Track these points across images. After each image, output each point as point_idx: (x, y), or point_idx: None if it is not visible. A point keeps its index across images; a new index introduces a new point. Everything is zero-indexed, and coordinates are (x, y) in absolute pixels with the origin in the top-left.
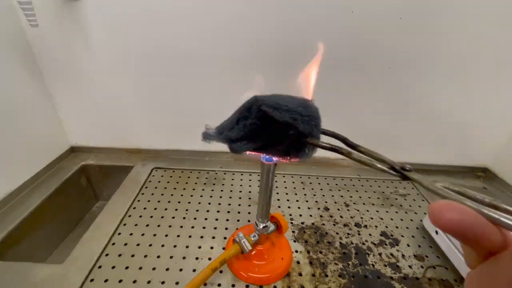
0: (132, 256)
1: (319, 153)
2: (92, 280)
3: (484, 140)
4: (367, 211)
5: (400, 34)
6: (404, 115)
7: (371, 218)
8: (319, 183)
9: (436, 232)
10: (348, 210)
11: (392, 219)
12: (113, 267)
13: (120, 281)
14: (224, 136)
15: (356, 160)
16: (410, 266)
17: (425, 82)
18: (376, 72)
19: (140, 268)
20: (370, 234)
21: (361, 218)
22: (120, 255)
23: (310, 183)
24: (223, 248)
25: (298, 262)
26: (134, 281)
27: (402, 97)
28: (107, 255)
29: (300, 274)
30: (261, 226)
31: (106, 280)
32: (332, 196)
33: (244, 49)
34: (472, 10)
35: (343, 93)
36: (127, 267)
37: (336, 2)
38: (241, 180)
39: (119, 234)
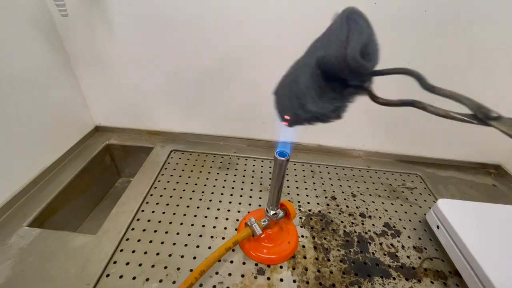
0: (155, 231)
1: (332, 142)
2: (121, 250)
3: (498, 136)
4: (373, 202)
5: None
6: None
7: (376, 209)
8: (328, 173)
9: (438, 227)
10: (355, 200)
11: (396, 211)
12: (139, 240)
13: (145, 252)
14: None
15: (433, 113)
16: (408, 257)
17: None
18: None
19: (162, 242)
20: (373, 225)
21: (366, 208)
22: (144, 230)
23: (320, 172)
24: (236, 229)
25: (303, 246)
26: (157, 254)
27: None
28: (133, 229)
29: (305, 257)
30: (271, 213)
31: (133, 251)
32: (340, 186)
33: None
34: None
35: None
36: (150, 241)
37: None
38: (254, 166)
39: (143, 211)
